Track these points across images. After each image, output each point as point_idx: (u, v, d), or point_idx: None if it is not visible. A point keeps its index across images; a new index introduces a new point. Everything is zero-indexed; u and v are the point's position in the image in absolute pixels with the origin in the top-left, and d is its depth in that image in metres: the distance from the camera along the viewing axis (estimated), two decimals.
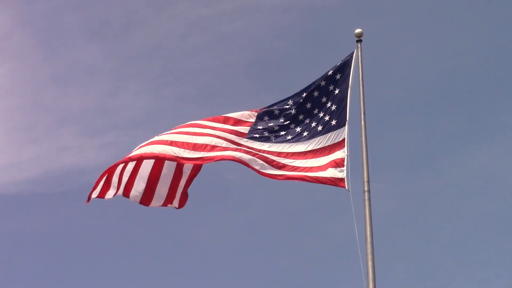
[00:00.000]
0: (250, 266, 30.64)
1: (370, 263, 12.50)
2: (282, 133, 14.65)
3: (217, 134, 14.42)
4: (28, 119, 35.82)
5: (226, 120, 14.84)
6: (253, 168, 13.87)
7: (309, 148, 14.21)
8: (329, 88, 14.67)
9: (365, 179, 13.19)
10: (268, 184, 32.07)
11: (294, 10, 36.56)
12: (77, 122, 35.80)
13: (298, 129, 14.66)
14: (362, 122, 13.78)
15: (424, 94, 35.29)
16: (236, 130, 14.70)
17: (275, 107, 15.02)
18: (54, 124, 36.01)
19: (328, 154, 13.97)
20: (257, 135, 14.64)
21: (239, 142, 14.43)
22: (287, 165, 14.02)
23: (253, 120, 14.93)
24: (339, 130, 14.13)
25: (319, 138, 14.29)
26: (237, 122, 14.88)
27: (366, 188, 13.12)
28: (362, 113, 13.89)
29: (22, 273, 32.22)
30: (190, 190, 14.98)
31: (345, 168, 13.63)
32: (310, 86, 14.92)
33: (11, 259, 32.46)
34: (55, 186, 34.23)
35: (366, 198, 13.02)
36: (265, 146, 14.42)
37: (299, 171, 13.86)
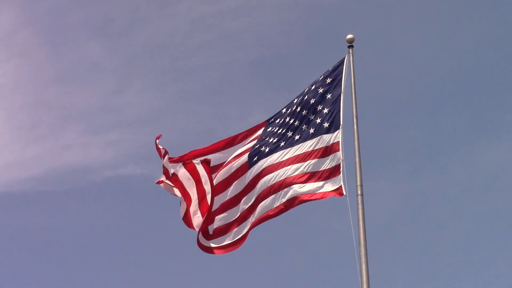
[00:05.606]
0: (251, 265, 30.67)
1: (364, 265, 12.44)
2: (281, 143, 14.59)
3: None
4: (32, 117, 35.95)
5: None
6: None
7: (301, 151, 14.18)
8: (320, 92, 14.63)
9: (358, 183, 13.19)
10: None
11: (298, 7, 36.57)
12: (81, 120, 35.89)
13: (291, 133, 14.63)
14: (355, 127, 13.75)
15: (428, 92, 35.28)
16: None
17: (276, 118, 15.06)
18: (58, 122, 36.13)
19: (321, 157, 13.95)
20: (255, 157, 14.66)
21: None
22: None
23: (258, 133, 15.01)
24: (331, 133, 14.05)
25: (311, 140, 14.21)
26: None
27: (359, 191, 13.11)
28: (354, 117, 13.87)
29: (26, 270, 32.37)
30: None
31: (341, 174, 13.58)
32: (301, 93, 14.97)
33: (15, 257, 32.60)
34: (59, 184, 34.36)
35: (360, 201, 13.02)
36: (262, 162, 14.51)
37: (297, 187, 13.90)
